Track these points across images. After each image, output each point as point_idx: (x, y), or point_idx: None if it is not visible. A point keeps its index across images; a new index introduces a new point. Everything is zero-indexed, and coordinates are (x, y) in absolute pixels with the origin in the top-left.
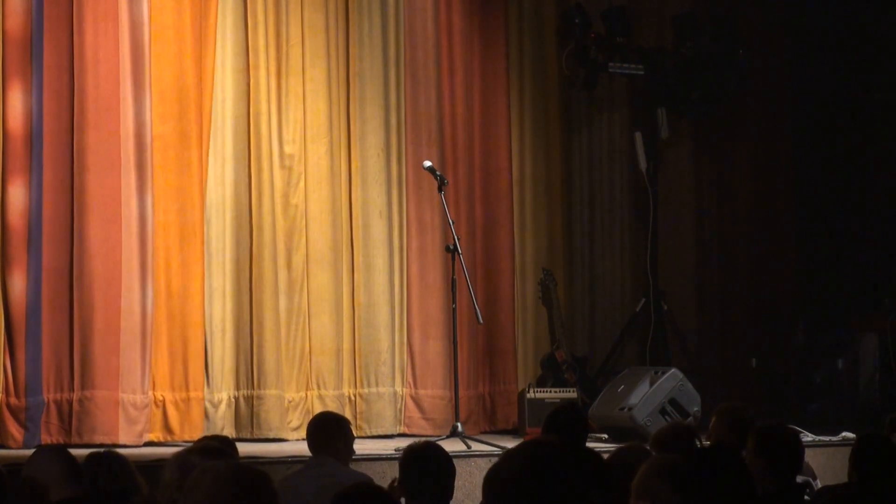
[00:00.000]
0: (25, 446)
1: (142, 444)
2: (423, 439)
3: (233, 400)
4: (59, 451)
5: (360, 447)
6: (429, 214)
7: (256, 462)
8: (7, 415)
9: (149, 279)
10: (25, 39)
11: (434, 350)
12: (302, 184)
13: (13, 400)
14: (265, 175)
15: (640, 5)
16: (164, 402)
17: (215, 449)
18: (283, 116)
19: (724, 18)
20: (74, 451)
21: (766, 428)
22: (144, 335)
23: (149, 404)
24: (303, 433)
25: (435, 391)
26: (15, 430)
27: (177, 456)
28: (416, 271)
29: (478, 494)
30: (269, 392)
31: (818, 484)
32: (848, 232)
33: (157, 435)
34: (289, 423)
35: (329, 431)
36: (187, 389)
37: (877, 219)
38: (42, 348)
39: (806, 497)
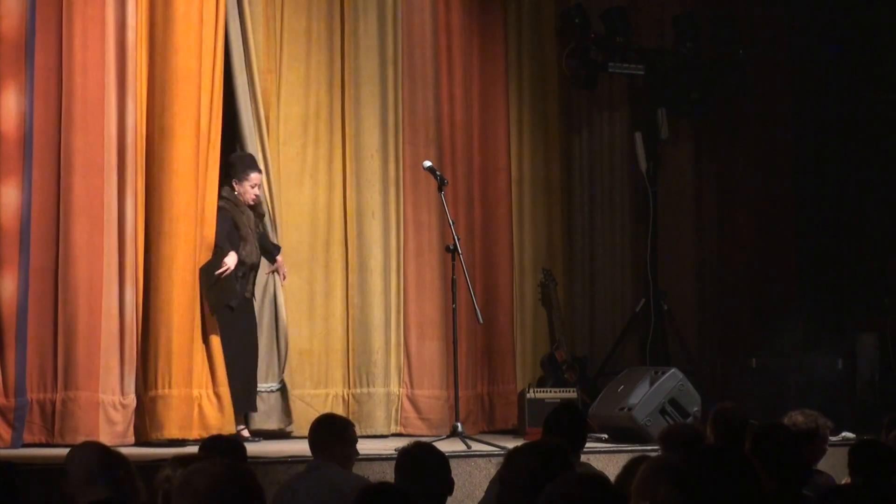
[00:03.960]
0: (13, 446)
1: (125, 444)
2: (415, 439)
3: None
4: (98, 447)
5: (360, 447)
6: (426, 215)
7: (257, 462)
8: None
9: (127, 281)
10: (20, 41)
11: (430, 350)
12: (277, 185)
13: (2, 400)
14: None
15: (640, 5)
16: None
17: (216, 450)
18: (276, 116)
19: (724, 18)
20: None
21: (763, 428)
22: (123, 336)
23: (128, 405)
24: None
25: (432, 391)
26: (3, 430)
27: (177, 458)
28: (412, 271)
29: (478, 494)
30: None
31: None
32: (848, 232)
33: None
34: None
35: (328, 434)
36: (182, 387)
37: (876, 219)
38: (28, 349)
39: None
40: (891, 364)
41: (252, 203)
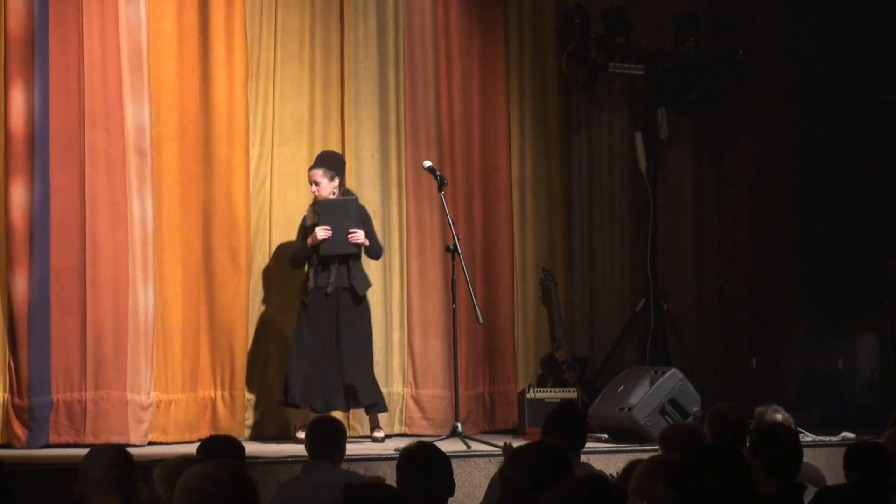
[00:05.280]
0: (29, 446)
1: (146, 443)
2: (416, 439)
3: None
4: (119, 451)
5: (361, 447)
6: (428, 215)
7: (257, 462)
8: (11, 414)
9: (150, 280)
10: (27, 39)
11: (434, 350)
12: (267, 185)
13: (17, 400)
14: (254, 173)
15: (640, 5)
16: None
17: (214, 450)
18: (249, 119)
19: (724, 18)
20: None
21: (764, 428)
22: (147, 336)
23: (152, 404)
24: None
25: (435, 391)
26: (19, 430)
27: (164, 467)
28: (415, 271)
29: (478, 494)
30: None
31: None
32: (847, 232)
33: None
34: (244, 420)
35: (329, 437)
36: (187, 391)
37: (876, 218)
38: (51, 348)
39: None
40: (891, 364)
41: (319, 199)
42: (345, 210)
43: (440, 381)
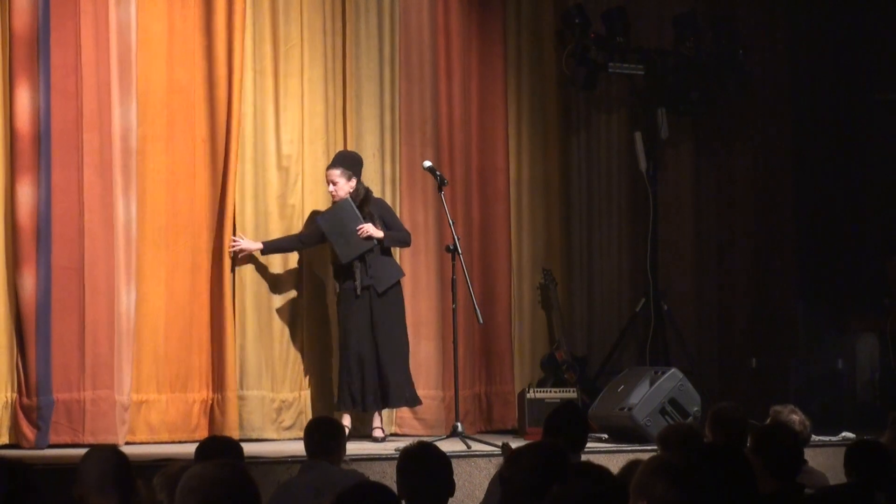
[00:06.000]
0: (37, 446)
1: (123, 444)
2: (416, 439)
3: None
4: (116, 452)
5: (360, 448)
6: (423, 215)
7: (257, 462)
8: (20, 414)
9: (132, 281)
10: (32, 38)
11: (426, 350)
12: (300, 184)
13: (25, 399)
14: (266, 175)
15: (640, 5)
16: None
17: (213, 451)
18: (280, 118)
19: (724, 18)
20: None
21: (765, 428)
22: (130, 337)
23: (130, 405)
24: (295, 433)
25: (427, 391)
26: (28, 430)
27: (165, 474)
28: (408, 272)
29: (478, 494)
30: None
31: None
32: (847, 232)
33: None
34: (281, 422)
35: (328, 437)
36: (173, 391)
37: (876, 219)
38: (52, 348)
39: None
40: (891, 364)
41: (336, 200)
42: (342, 213)
43: (431, 382)
